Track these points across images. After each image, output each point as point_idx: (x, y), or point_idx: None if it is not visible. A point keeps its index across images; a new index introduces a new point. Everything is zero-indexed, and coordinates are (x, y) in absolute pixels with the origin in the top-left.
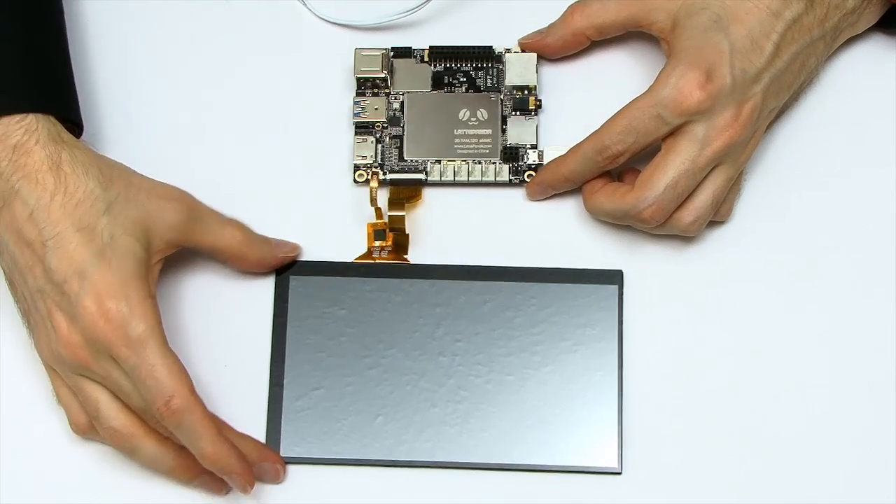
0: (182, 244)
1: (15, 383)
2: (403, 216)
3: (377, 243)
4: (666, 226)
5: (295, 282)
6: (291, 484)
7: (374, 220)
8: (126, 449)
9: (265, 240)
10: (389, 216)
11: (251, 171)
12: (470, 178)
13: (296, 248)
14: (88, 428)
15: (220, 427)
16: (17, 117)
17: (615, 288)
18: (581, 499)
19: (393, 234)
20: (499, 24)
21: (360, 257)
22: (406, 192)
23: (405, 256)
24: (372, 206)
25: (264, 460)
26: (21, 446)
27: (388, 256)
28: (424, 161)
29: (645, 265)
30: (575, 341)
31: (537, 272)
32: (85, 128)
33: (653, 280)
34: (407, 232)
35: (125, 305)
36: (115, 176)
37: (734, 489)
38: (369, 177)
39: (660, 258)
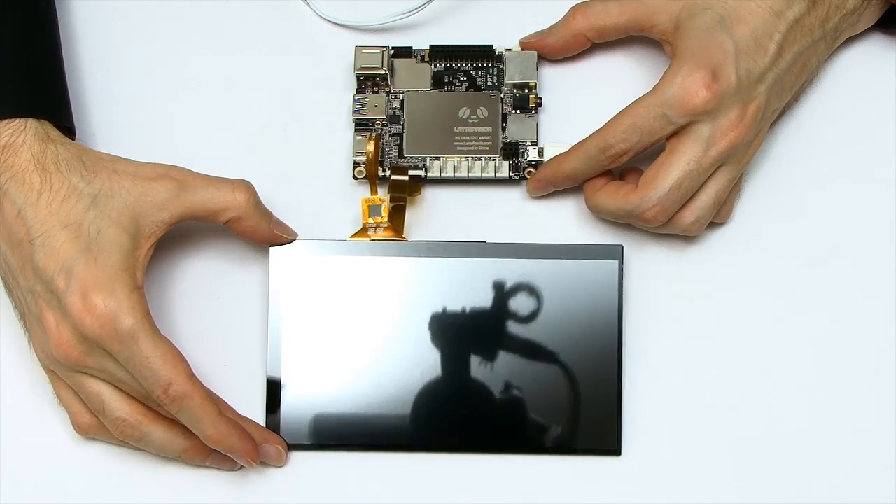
0: (177, 219)
1: (16, 387)
2: (406, 181)
3: (371, 220)
4: (667, 225)
5: (290, 263)
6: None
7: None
8: (136, 437)
9: (267, 212)
10: (391, 181)
11: (250, 167)
12: (470, 175)
13: (293, 234)
14: (91, 427)
15: (222, 407)
16: (8, 119)
17: (615, 263)
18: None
19: (389, 209)
20: (499, 25)
21: (356, 234)
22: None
23: (402, 235)
24: (368, 170)
25: (265, 442)
26: (25, 449)
27: (384, 233)
28: (424, 157)
29: (645, 264)
30: (575, 320)
31: (536, 248)
32: (80, 128)
33: (653, 278)
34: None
35: (112, 300)
36: (98, 168)
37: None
38: (369, 141)
39: (660, 257)
